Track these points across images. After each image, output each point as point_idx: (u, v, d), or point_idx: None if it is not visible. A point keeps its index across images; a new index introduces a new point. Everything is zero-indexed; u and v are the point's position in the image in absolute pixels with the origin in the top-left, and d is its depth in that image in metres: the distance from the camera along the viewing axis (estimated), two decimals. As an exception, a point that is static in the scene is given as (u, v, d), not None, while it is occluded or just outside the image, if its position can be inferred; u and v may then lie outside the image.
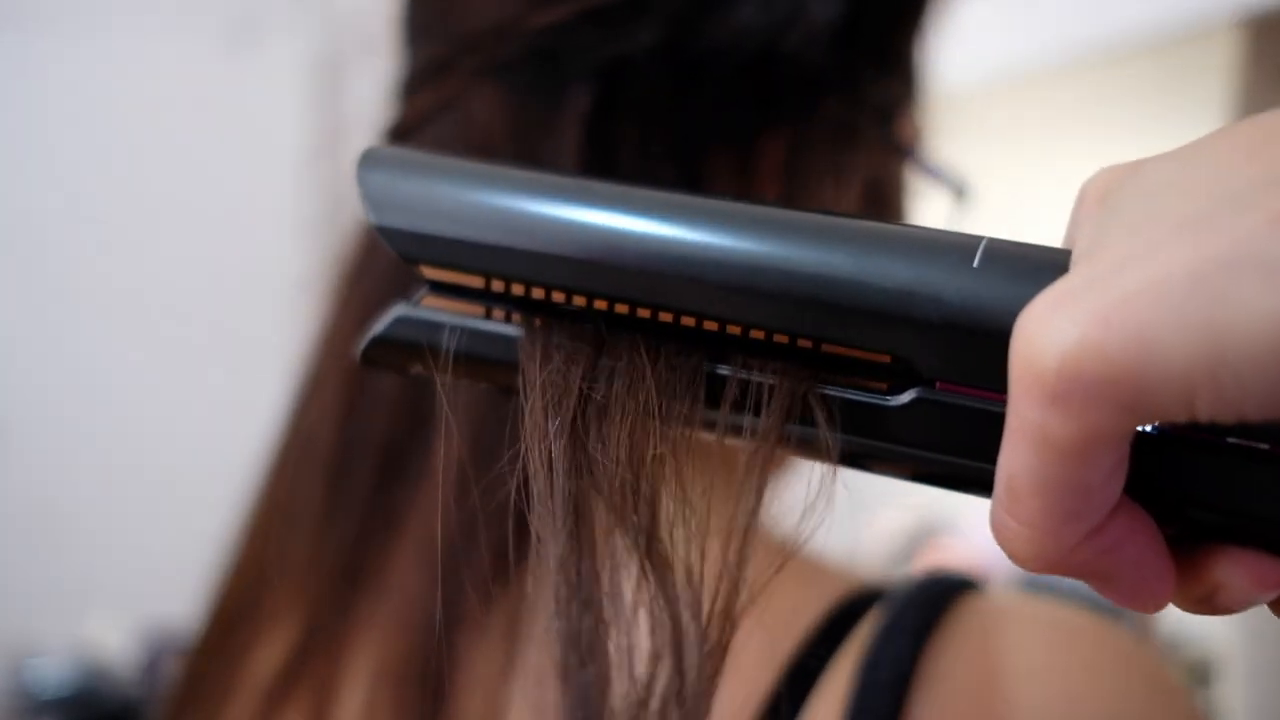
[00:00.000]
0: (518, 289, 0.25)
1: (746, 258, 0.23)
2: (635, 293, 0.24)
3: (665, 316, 0.24)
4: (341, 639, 0.38)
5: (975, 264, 0.21)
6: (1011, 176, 1.31)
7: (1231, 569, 0.20)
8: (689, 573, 0.23)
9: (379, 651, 0.37)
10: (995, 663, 0.31)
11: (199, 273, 1.62)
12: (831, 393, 0.23)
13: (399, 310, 0.26)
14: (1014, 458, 0.18)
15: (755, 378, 0.24)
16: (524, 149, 0.36)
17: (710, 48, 0.35)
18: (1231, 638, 1.18)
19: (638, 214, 0.24)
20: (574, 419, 0.24)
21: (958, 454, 0.22)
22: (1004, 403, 0.18)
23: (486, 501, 0.33)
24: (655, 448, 0.24)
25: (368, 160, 0.26)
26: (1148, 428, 0.20)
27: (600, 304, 0.24)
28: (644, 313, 0.24)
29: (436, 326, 0.26)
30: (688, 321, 0.24)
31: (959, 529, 1.44)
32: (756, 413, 0.23)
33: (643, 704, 0.21)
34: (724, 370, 0.24)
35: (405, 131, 0.38)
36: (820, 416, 0.23)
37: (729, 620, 0.22)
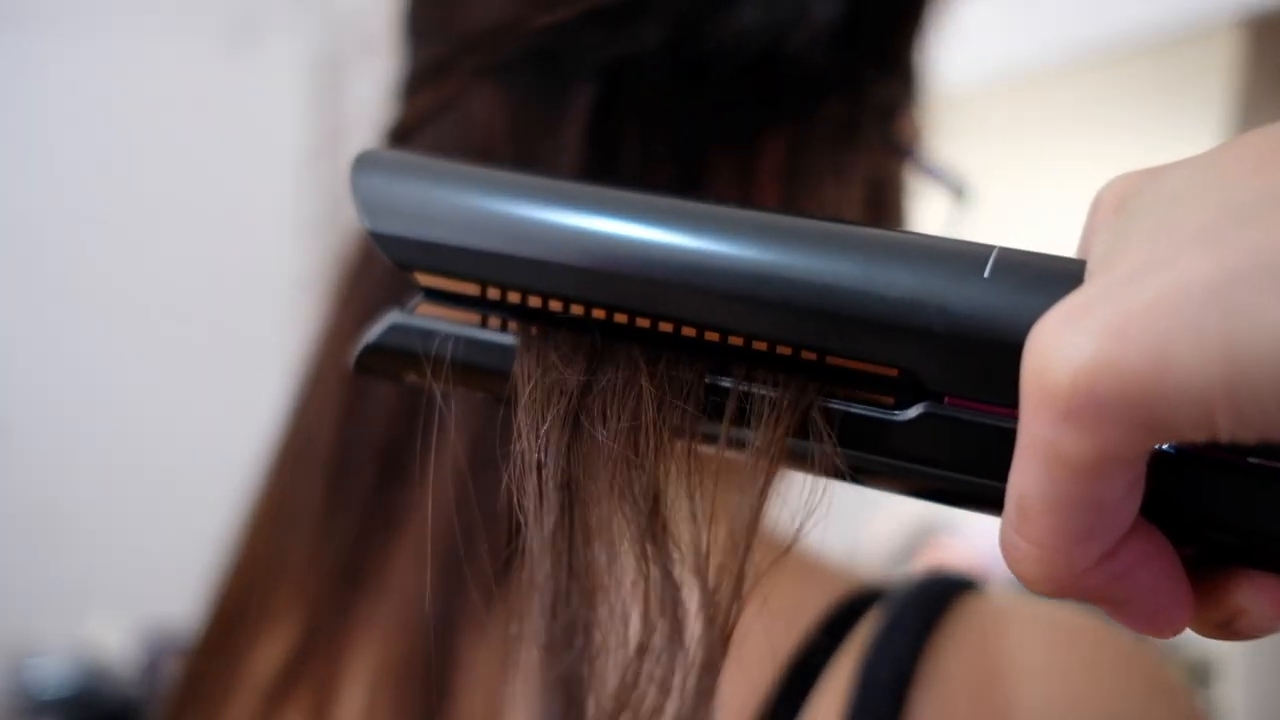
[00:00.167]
0: (514, 297, 0.25)
1: (748, 266, 0.22)
2: (634, 301, 0.23)
3: (665, 326, 0.23)
4: (341, 639, 0.38)
5: (986, 274, 0.20)
6: (1011, 176, 1.31)
7: (1253, 594, 0.19)
8: (696, 555, 0.22)
9: (379, 651, 0.37)
10: (995, 662, 0.31)
11: (199, 273, 1.62)
12: (836, 407, 0.22)
13: (393, 318, 0.26)
14: (1025, 476, 0.17)
15: (757, 390, 0.23)
16: (524, 149, 0.36)
17: (712, 48, 0.35)
18: (1231, 638, 1.18)
19: (637, 220, 0.23)
20: (565, 424, 0.23)
21: (966, 471, 0.21)
22: (1015, 419, 0.18)
23: (486, 502, 0.33)
24: (654, 449, 0.23)
25: (362, 164, 0.26)
26: (1165, 446, 0.19)
27: (598, 313, 0.24)
28: (643, 322, 0.24)
29: (431, 334, 0.25)
30: (688, 332, 0.23)
31: (959, 529, 1.44)
32: (758, 427, 0.23)
33: (636, 694, 0.21)
34: (725, 383, 0.23)
35: (405, 132, 0.38)
36: (824, 431, 0.22)
37: (736, 605, 0.22)
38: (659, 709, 0.21)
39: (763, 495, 0.23)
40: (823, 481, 0.23)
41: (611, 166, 0.35)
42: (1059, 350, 0.16)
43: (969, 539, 1.42)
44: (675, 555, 0.23)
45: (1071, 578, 0.18)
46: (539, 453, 0.23)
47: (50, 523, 1.59)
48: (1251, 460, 0.19)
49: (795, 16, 0.35)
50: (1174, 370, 0.15)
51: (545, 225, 0.24)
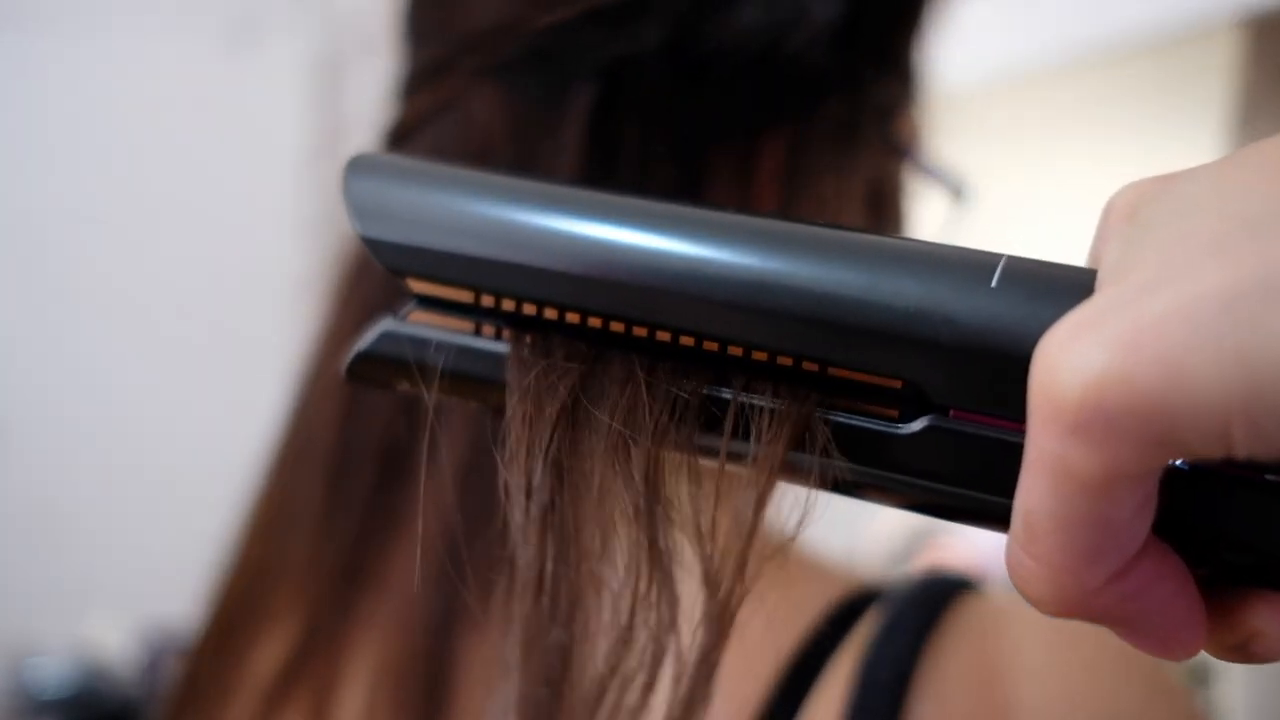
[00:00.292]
0: (508, 304, 0.24)
1: (748, 274, 0.21)
2: (631, 310, 0.23)
3: (663, 336, 0.23)
4: (341, 639, 0.38)
5: (993, 283, 0.20)
6: (1011, 176, 1.31)
7: (1270, 616, 0.18)
8: (698, 535, 0.22)
9: (379, 651, 0.37)
10: (995, 663, 0.31)
11: (199, 273, 1.62)
12: (838, 419, 0.22)
13: (385, 325, 0.25)
14: (1032, 492, 0.17)
15: (757, 402, 0.22)
16: (524, 150, 0.36)
17: (712, 48, 0.35)
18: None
19: (634, 226, 0.23)
20: (555, 434, 0.23)
21: (972, 486, 0.21)
22: (1023, 433, 0.17)
23: (484, 502, 0.33)
24: (652, 464, 0.22)
25: (354, 167, 0.25)
26: (1178, 462, 0.18)
27: (595, 321, 0.23)
28: (640, 331, 0.23)
29: (423, 343, 0.25)
30: (686, 341, 0.23)
31: (959, 529, 1.44)
32: (759, 439, 0.22)
33: (620, 677, 0.21)
34: (725, 394, 0.23)
35: (405, 132, 0.38)
36: (826, 444, 0.22)
37: (739, 589, 0.21)
38: (646, 693, 0.21)
39: (760, 507, 0.22)
40: (823, 493, 0.22)
41: (611, 167, 0.35)
42: (1068, 362, 0.16)
43: (969, 539, 1.42)
44: (674, 525, 0.22)
45: (1081, 598, 0.17)
46: (528, 466, 0.23)
47: (50, 523, 1.59)
48: (1269, 477, 0.18)
49: (795, 17, 0.35)
50: (1188, 384, 0.15)
51: (540, 231, 0.23)
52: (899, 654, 0.30)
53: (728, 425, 0.22)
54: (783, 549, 0.22)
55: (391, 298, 0.34)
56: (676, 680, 0.21)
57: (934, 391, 0.21)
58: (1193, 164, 0.19)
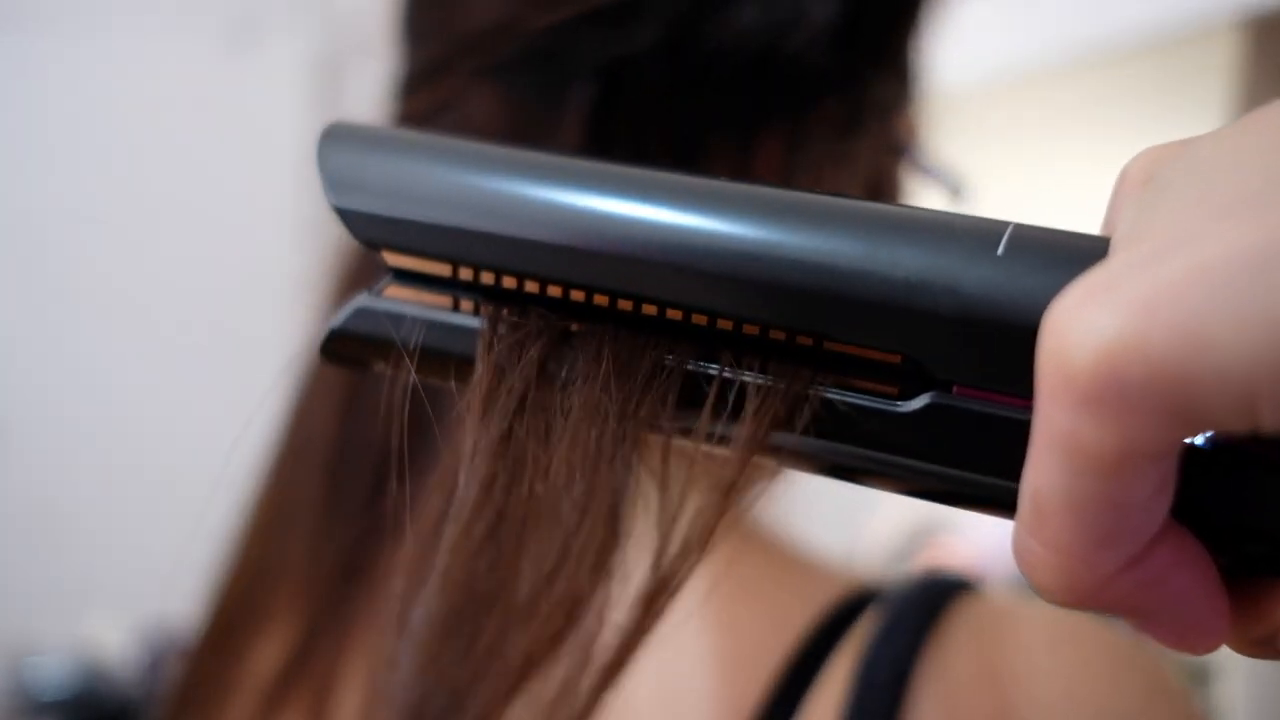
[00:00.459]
0: (487, 277, 0.23)
1: (737, 242, 0.20)
2: (614, 281, 0.21)
3: (649, 309, 0.22)
4: (341, 639, 0.38)
5: (1000, 252, 0.18)
6: (1011, 176, 1.31)
7: None
8: (664, 490, 0.21)
9: (379, 651, 0.37)
10: (994, 663, 0.31)
11: (199, 273, 1.62)
12: (834, 397, 0.20)
13: (360, 301, 0.24)
14: (1041, 471, 0.16)
15: (748, 378, 0.21)
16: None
17: (710, 48, 0.35)
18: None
19: (618, 194, 0.21)
20: (522, 404, 0.22)
21: (976, 468, 0.19)
22: (1030, 410, 0.16)
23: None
24: (630, 443, 0.22)
25: (328, 137, 0.24)
26: (1199, 440, 0.17)
27: (577, 294, 0.22)
28: (625, 304, 0.22)
29: (399, 318, 0.24)
30: (673, 315, 0.21)
31: (959, 529, 1.44)
32: (747, 418, 0.21)
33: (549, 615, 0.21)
34: (712, 370, 0.21)
35: (404, 132, 0.38)
36: (821, 423, 0.20)
37: (690, 560, 0.21)
38: (563, 634, 0.20)
39: (733, 483, 0.21)
40: (818, 478, 0.22)
41: (610, 166, 0.35)
42: (1079, 329, 0.15)
43: (969, 539, 1.42)
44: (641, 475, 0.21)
45: (1093, 586, 0.16)
46: (483, 441, 0.22)
47: (50, 523, 1.59)
48: None
49: (794, 16, 0.35)
50: (1210, 352, 0.14)
51: (520, 199, 0.22)
52: (898, 654, 0.30)
53: (709, 400, 0.21)
54: (737, 521, 0.21)
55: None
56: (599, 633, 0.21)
57: (936, 366, 0.19)
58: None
